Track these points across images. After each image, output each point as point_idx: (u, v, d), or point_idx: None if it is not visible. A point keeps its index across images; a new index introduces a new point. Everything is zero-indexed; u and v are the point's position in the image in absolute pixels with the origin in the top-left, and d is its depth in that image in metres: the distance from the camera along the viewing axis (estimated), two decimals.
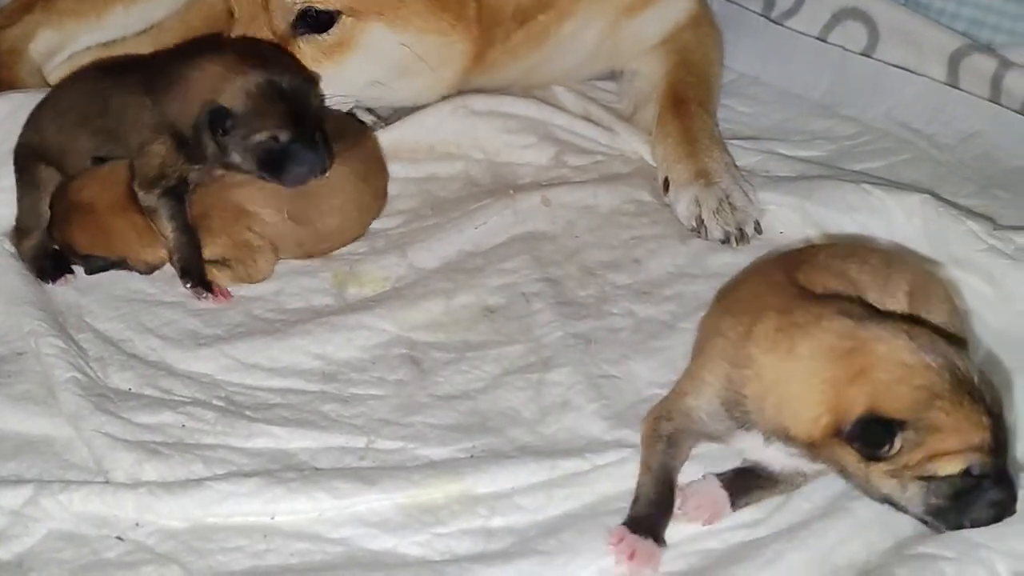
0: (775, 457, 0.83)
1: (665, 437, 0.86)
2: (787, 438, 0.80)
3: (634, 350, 1.05)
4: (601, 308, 1.12)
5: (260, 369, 1.03)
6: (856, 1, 1.50)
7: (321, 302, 1.12)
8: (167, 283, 1.14)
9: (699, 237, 1.23)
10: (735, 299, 0.91)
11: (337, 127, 1.18)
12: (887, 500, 0.78)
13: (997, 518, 0.76)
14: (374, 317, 1.09)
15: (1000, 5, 1.44)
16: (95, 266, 1.13)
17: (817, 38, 1.50)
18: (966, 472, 0.74)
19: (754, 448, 0.84)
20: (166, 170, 1.11)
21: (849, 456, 0.77)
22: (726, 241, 1.21)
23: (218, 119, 1.08)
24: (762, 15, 1.56)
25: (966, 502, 0.76)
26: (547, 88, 1.47)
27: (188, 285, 1.12)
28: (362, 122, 1.33)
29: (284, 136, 1.09)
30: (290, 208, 1.14)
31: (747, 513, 0.86)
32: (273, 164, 1.10)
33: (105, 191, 1.12)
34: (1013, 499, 0.77)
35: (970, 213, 1.17)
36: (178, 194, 1.12)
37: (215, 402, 0.99)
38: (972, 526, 0.77)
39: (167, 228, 1.11)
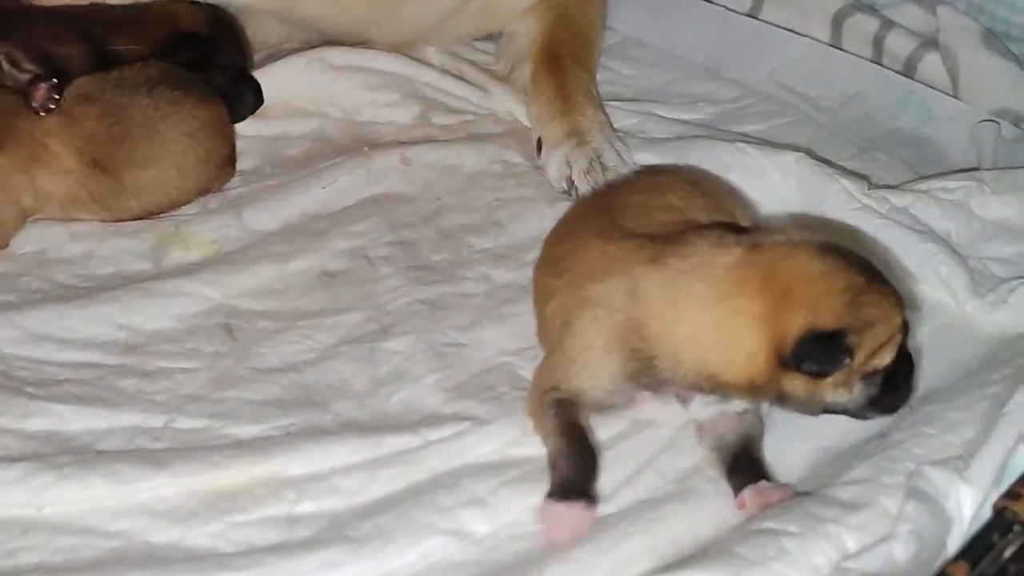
0: (677, 414, 0.77)
1: (555, 403, 0.77)
2: (717, 386, 0.73)
3: (486, 316, 0.95)
4: (455, 272, 1.01)
5: (51, 340, 0.89)
6: None
7: (136, 267, 0.99)
8: None
9: (569, 199, 1.14)
10: (583, 266, 0.81)
11: (183, 81, 1.08)
12: (828, 410, 0.74)
13: (914, 388, 0.75)
14: (196, 283, 0.96)
15: None
16: None
17: None
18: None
19: (656, 409, 0.77)
20: None
21: (796, 381, 0.71)
22: None
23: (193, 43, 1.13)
24: None
25: (894, 384, 0.74)
26: (417, 48, 1.36)
27: None
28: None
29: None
30: (96, 151, 1.00)
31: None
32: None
33: None
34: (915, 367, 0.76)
35: (845, 172, 1.11)
36: None
37: None
38: (901, 406, 0.75)
39: None
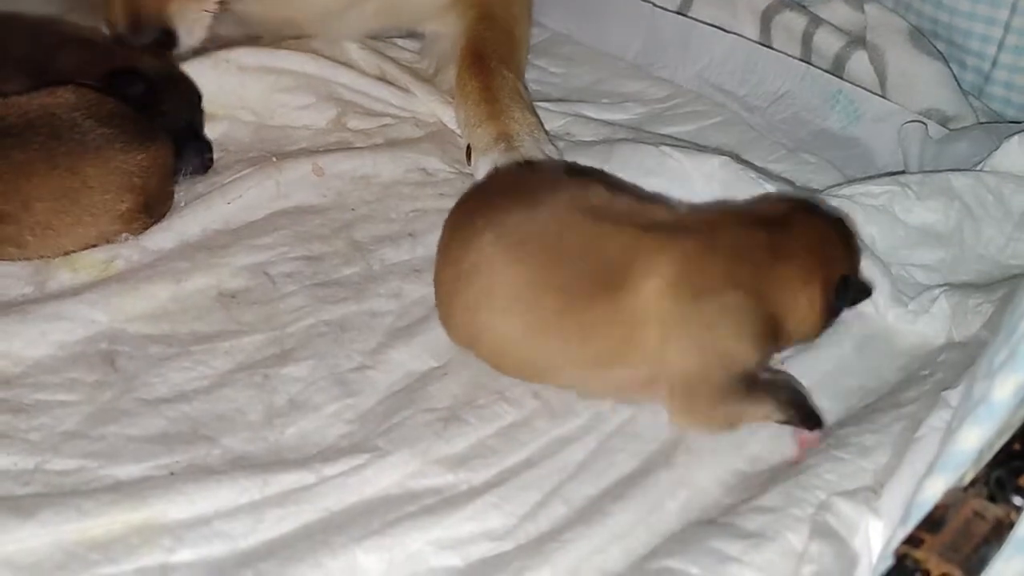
0: None
1: (739, 379, 0.80)
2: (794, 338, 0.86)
3: (395, 336, 0.90)
4: (365, 289, 0.96)
5: None
6: None
7: (18, 290, 0.92)
8: None
9: None
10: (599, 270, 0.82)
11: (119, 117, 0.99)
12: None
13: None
14: (82, 306, 0.90)
15: None
16: None
17: None
18: None
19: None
20: None
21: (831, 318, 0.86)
22: None
23: (125, 83, 1.04)
24: None
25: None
26: (335, 44, 1.30)
27: None
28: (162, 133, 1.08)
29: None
30: None
31: (498, 519, 0.73)
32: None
33: None
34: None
35: (770, 176, 1.08)
36: None
37: None
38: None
39: None
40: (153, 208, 1.00)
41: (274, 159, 1.10)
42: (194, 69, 1.19)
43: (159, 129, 1.02)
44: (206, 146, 1.09)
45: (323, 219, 1.06)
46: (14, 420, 0.80)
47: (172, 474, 0.75)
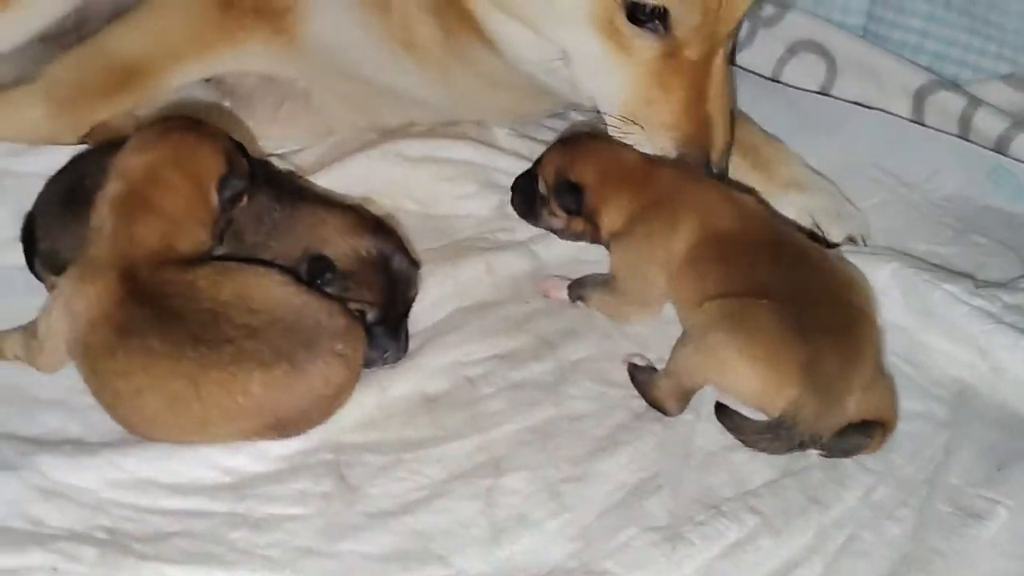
0: None
1: None
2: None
3: (599, 446, 0.91)
4: (560, 391, 0.97)
5: (156, 485, 0.86)
6: (812, 33, 1.42)
7: None
8: (47, 376, 0.95)
9: None
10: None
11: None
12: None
13: None
14: None
15: (965, 39, 1.37)
16: None
17: (769, 78, 1.41)
18: None
19: None
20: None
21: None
22: None
23: (318, 268, 0.97)
24: None
25: None
26: (485, 128, 1.33)
27: None
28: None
29: (372, 315, 0.97)
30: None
31: None
32: None
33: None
34: None
35: (948, 274, 1.07)
36: None
37: (97, 534, 0.81)
38: None
39: None
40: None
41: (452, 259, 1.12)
42: (363, 161, 1.24)
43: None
44: (404, 334, 1.00)
45: (504, 313, 1.08)
46: (251, 535, 0.82)
47: None
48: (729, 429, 0.91)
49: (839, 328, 0.93)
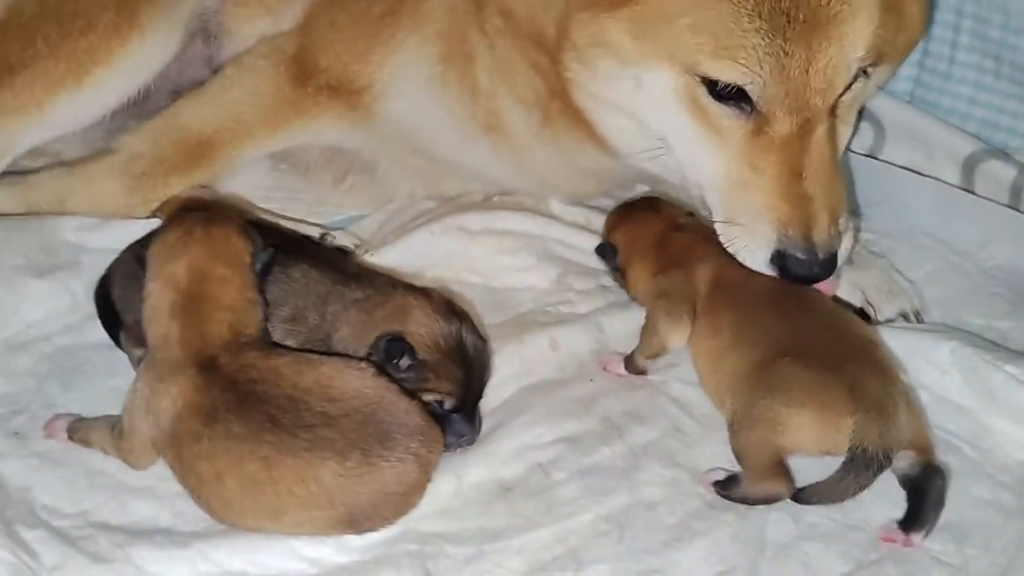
0: None
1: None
2: None
3: (675, 536, 0.93)
4: (631, 477, 0.99)
5: None
6: None
7: None
8: None
9: None
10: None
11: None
12: None
13: None
14: None
15: (1014, 107, 1.38)
16: None
17: None
18: None
19: None
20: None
21: None
22: None
23: (395, 351, 0.97)
24: None
25: None
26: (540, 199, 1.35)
27: None
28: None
29: (449, 404, 0.99)
30: None
31: None
32: None
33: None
34: None
35: (1008, 353, 1.08)
36: None
37: None
38: None
39: None
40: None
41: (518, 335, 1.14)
42: (424, 235, 1.26)
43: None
44: (478, 418, 1.03)
45: (568, 393, 1.10)
46: None
47: None
48: (823, 501, 0.93)
49: (859, 354, 0.98)
